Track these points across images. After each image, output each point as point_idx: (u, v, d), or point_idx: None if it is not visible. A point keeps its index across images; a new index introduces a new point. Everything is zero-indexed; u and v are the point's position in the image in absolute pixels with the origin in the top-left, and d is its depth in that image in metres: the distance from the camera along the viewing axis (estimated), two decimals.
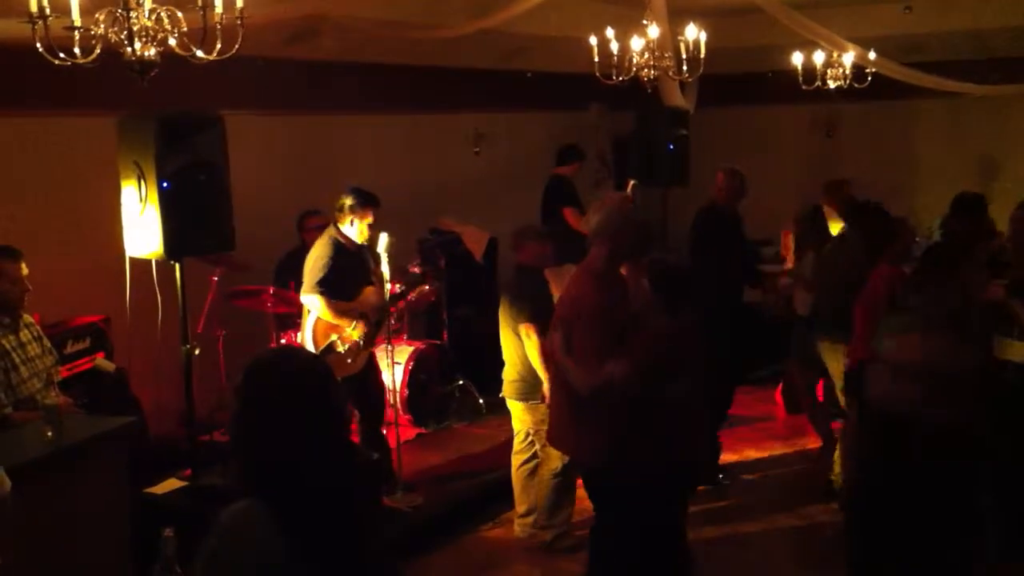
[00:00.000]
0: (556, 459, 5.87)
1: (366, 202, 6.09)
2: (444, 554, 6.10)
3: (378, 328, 6.37)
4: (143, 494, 5.41)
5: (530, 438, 6.07)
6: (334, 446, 2.45)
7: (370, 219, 6.09)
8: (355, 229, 6.10)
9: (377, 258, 6.23)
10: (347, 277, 6.18)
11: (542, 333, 5.58)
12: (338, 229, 6.15)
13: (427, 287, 7.84)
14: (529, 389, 5.89)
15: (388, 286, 6.26)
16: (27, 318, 5.17)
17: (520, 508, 6.20)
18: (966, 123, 10.74)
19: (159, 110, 5.40)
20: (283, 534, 2.29)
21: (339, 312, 6.12)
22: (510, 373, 6.00)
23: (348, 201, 6.10)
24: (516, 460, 6.17)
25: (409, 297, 7.44)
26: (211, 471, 5.73)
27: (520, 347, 5.86)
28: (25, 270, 5.05)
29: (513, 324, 5.86)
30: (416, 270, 7.83)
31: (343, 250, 6.12)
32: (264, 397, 2.41)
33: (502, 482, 6.78)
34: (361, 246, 6.19)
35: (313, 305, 6.11)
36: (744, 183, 7.14)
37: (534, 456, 6.10)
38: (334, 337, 6.16)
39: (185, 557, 2.37)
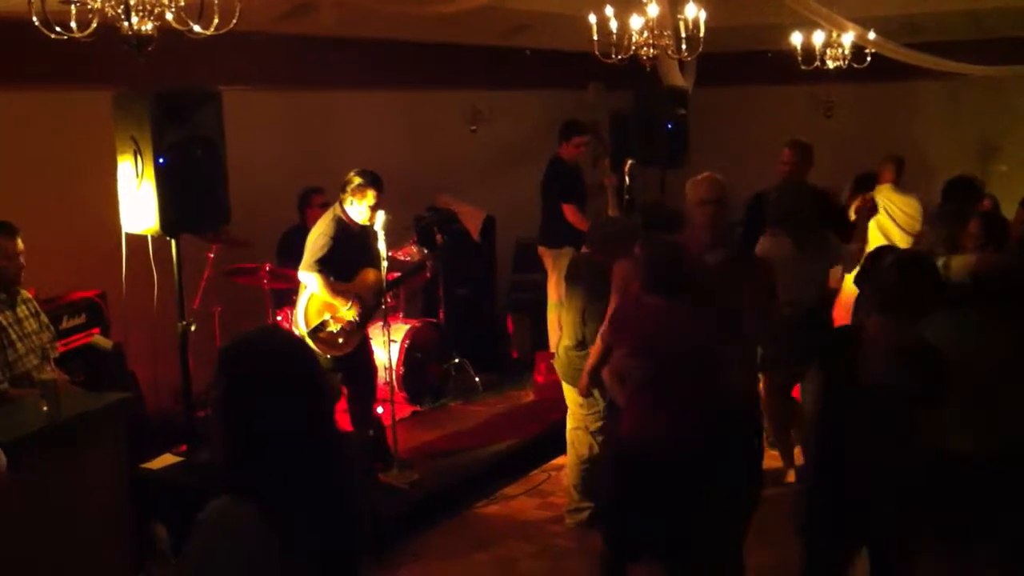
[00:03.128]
0: (584, 447, 5.90)
1: (367, 183, 6.07)
2: (440, 531, 6.13)
3: (373, 311, 6.37)
4: (139, 469, 5.43)
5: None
6: (321, 428, 2.39)
7: (370, 200, 6.07)
8: (355, 209, 6.10)
9: (375, 236, 6.22)
10: (347, 257, 6.17)
11: None
12: (342, 208, 6.14)
13: (428, 275, 7.85)
14: (575, 376, 5.75)
15: (385, 264, 6.25)
16: (24, 294, 5.16)
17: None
18: (964, 105, 10.73)
19: (156, 85, 5.38)
20: (270, 525, 2.24)
21: (335, 291, 6.12)
22: (563, 356, 5.97)
23: (352, 181, 6.08)
24: (569, 424, 6.16)
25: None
26: (207, 447, 5.74)
27: (579, 334, 5.82)
28: (21, 246, 5.03)
29: (583, 314, 5.79)
30: (414, 255, 7.81)
31: (346, 229, 6.11)
32: (245, 380, 2.33)
33: (498, 459, 6.83)
34: (365, 226, 6.18)
35: (310, 282, 6.10)
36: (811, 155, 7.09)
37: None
38: (327, 316, 6.16)
39: (179, 533, 2.35)
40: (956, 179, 6.99)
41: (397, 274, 7.11)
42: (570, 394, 5.95)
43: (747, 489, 4.75)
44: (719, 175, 4.95)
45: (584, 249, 6.06)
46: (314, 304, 6.19)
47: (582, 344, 5.76)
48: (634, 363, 4.57)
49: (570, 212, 8.04)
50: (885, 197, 8.13)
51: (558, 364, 6.05)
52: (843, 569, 4.35)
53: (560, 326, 6.12)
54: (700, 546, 4.52)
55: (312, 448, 2.33)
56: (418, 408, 7.82)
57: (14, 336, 4.95)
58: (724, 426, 4.43)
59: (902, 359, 3.94)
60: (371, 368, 6.61)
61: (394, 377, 7.27)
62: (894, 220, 8.06)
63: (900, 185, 8.35)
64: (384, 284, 6.31)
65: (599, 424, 5.86)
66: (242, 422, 2.32)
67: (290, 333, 2.82)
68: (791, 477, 6.50)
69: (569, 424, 6.06)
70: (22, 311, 5.07)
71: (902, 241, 7.73)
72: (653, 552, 4.78)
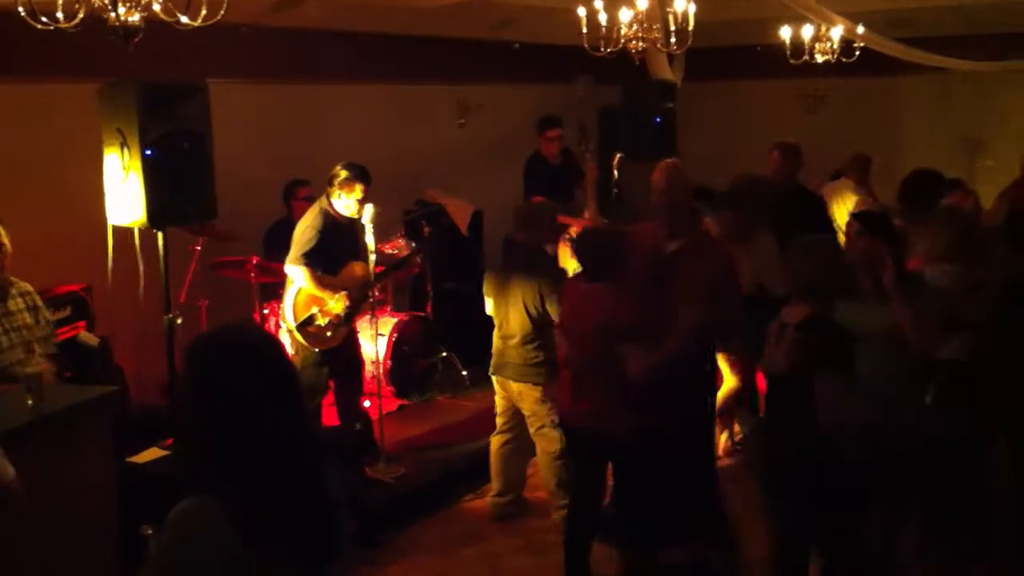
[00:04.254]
0: (554, 442, 5.87)
1: (354, 176, 6.04)
2: (426, 525, 6.13)
3: (360, 304, 6.34)
4: (126, 463, 5.40)
5: (514, 419, 6.07)
6: (290, 424, 2.32)
7: (358, 194, 6.04)
8: (342, 202, 6.06)
9: (363, 229, 6.20)
10: (334, 250, 6.14)
11: None
12: (329, 201, 6.10)
13: (416, 269, 7.82)
14: (532, 372, 5.84)
15: (372, 257, 6.23)
16: (23, 286, 5.07)
17: (495, 487, 6.21)
18: (951, 100, 10.76)
19: (143, 77, 5.35)
20: (237, 524, 2.20)
21: (322, 285, 6.09)
22: (508, 353, 5.91)
23: (339, 174, 6.05)
24: (498, 440, 6.17)
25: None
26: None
27: (526, 326, 5.79)
28: (3, 235, 4.93)
29: (534, 304, 5.76)
30: (401, 249, 7.78)
31: (332, 222, 6.07)
32: (209, 377, 2.29)
33: (485, 453, 6.80)
34: (352, 220, 6.15)
35: (297, 276, 6.07)
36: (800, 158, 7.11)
37: (515, 438, 6.11)
38: (314, 310, 6.14)
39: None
40: (916, 174, 6.49)
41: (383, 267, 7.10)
42: (529, 394, 5.85)
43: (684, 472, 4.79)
44: (672, 163, 5.03)
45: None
46: (301, 298, 6.16)
47: (533, 336, 5.78)
48: (560, 338, 5.08)
49: None
50: (839, 192, 8.11)
51: (510, 370, 5.92)
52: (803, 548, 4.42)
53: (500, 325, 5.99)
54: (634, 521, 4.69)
55: (280, 445, 2.28)
56: (405, 402, 7.81)
57: (3, 328, 4.87)
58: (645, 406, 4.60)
59: (800, 333, 4.15)
60: (358, 361, 6.60)
61: (381, 371, 7.25)
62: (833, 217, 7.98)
63: (864, 184, 8.31)
64: (372, 277, 6.29)
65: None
66: (207, 420, 2.28)
67: (258, 328, 2.76)
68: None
69: (533, 425, 5.96)
70: (15, 304, 4.98)
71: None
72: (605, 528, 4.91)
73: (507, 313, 5.87)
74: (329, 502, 2.39)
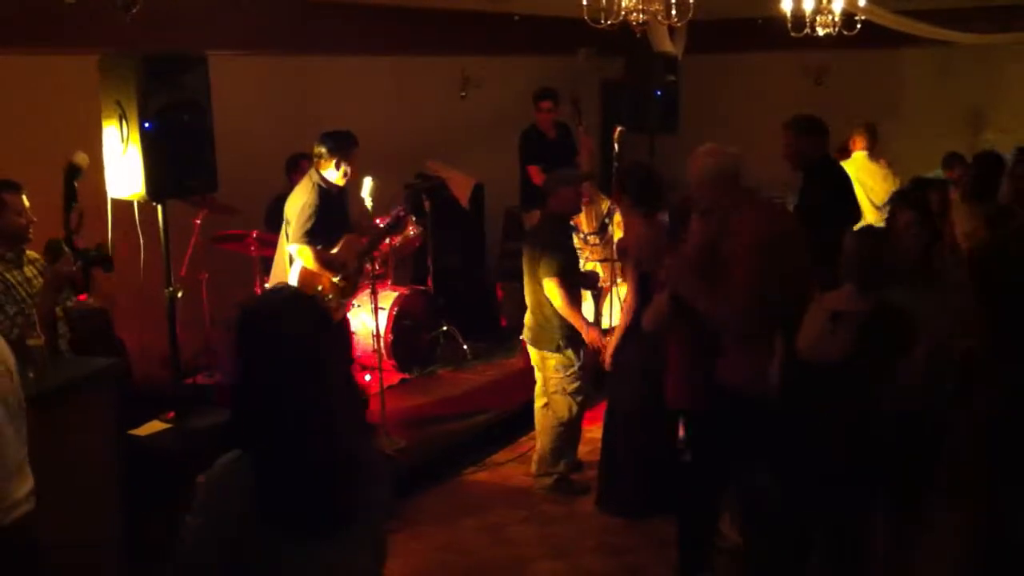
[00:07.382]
0: (563, 409, 5.94)
1: (350, 143, 6.03)
2: (428, 497, 6.16)
3: (358, 276, 6.35)
4: (127, 436, 5.40)
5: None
6: (321, 386, 2.40)
7: (355, 160, 6.06)
8: (339, 173, 6.05)
9: (361, 202, 6.19)
10: (331, 224, 6.15)
11: (569, 287, 5.80)
12: (320, 175, 6.08)
13: (411, 232, 7.80)
14: (546, 338, 5.92)
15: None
16: (32, 254, 5.10)
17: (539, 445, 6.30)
18: (954, 73, 10.69)
19: (143, 48, 5.32)
20: (262, 485, 2.28)
21: (323, 263, 6.09)
22: (528, 320, 6.05)
23: (328, 147, 6.03)
24: (538, 403, 6.23)
25: (393, 242, 7.42)
26: (195, 413, 5.73)
27: (538, 295, 5.87)
28: (27, 202, 4.94)
29: (536, 274, 5.85)
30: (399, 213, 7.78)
31: (328, 196, 6.06)
32: (262, 343, 2.39)
33: (487, 426, 6.86)
34: (342, 189, 6.15)
35: (302, 255, 6.06)
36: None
37: None
38: (318, 287, 6.14)
39: (169, 499, 2.35)
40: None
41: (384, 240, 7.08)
42: (547, 360, 5.98)
43: None
44: (704, 150, 4.89)
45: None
46: (306, 276, 6.17)
47: (544, 304, 5.86)
48: None
49: (533, 173, 8.24)
50: (859, 167, 8.04)
51: (531, 335, 6.01)
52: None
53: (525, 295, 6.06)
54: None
55: (312, 405, 2.36)
56: (407, 375, 7.82)
57: (24, 294, 4.88)
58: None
59: (864, 326, 4.06)
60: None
61: (382, 344, 7.26)
62: (866, 192, 7.91)
63: (874, 154, 8.29)
64: (372, 237, 6.30)
65: (576, 384, 5.96)
66: (253, 380, 2.37)
67: (301, 294, 2.78)
68: None
69: (548, 389, 6.06)
70: (30, 271, 5.00)
71: (871, 213, 7.56)
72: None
73: (527, 283, 5.98)
74: (357, 464, 2.45)
